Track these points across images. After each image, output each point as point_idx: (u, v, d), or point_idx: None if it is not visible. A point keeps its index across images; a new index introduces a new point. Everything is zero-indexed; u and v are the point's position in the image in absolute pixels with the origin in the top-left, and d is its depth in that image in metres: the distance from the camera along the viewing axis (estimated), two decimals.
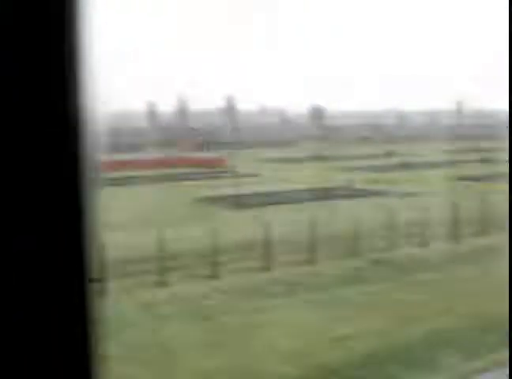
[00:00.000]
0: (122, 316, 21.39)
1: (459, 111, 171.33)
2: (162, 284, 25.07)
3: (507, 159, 75.17)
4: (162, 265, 25.55)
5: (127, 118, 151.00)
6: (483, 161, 79.79)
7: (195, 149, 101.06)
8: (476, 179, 59.75)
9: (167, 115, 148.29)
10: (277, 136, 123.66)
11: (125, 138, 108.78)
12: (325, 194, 50.02)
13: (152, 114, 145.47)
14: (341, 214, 35.51)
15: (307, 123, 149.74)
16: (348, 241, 30.12)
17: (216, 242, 26.81)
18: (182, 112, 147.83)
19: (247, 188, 50.58)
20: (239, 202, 45.72)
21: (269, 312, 21.73)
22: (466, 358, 17.62)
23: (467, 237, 32.50)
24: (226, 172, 62.12)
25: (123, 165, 77.43)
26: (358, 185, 55.82)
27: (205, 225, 32.35)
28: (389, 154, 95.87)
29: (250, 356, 17.77)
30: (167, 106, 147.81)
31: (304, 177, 60.65)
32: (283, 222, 34.27)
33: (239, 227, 35.40)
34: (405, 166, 74.58)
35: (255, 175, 64.93)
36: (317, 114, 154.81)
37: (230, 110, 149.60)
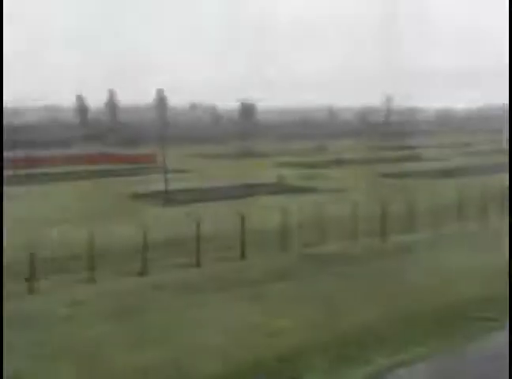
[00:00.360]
0: (47, 313, 21.03)
1: (388, 108, 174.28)
2: (90, 281, 24.71)
3: (432, 156, 76.91)
4: (90, 262, 25.15)
5: (56, 113, 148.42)
6: (410, 158, 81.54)
7: (125, 145, 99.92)
8: (403, 176, 60.93)
9: (96, 110, 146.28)
10: (209, 133, 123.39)
11: (54, 134, 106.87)
12: (255, 190, 50.20)
13: (81, 109, 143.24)
14: (271, 210, 35.69)
15: (238, 119, 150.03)
16: (278, 236, 30.30)
17: (145, 238, 26.52)
18: (112, 107, 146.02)
19: (177, 184, 50.32)
20: (168, 198, 45.44)
21: (199, 308, 21.66)
22: (393, 352, 17.93)
23: (392, 233, 33.06)
24: (156, 168, 61.59)
25: (51, 161, 76.00)
26: (289, 181, 56.28)
27: (134, 222, 31.98)
28: (319, 150, 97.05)
29: (179, 353, 17.67)
30: (97, 101, 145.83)
31: (235, 173, 60.74)
32: (213, 218, 34.22)
33: (169, 223, 35.17)
34: (335, 162, 75.59)
35: (185, 171, 64.66)
36: (247, 110, 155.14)
37: (160, 105, 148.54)
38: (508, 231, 27.60)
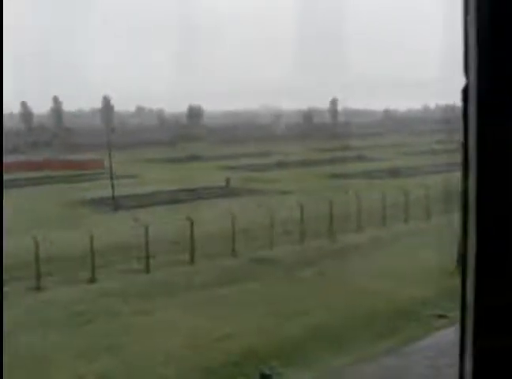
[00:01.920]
0: None
1: (333, 110, 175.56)
2: (37, 289, 24.42)
3: (376, 156, 77.35)
4: (36, 270, 24.84)
5: None
6: (355, 158, 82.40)
7: (71, 151, 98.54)
8: (348, 176, 61.57)
9: (41, 116, 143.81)
10: (155, 137, 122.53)
11: None
12: (202, 194, 50.19)
13: (25, 114, 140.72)
14: (219, 213, 35.74)
15: (185, 123, 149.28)
16: (226, 240, 30.34)
17: (91, 245, 26.31)
18: (57, 113, 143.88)
19: (124, 189, 49.93)
20: (115, 204, 45.12)
21: (149, 314, 21.61)
22: (345, 352, 18.17)
23: (340, 233, 33.42)
24: (103, 174, 60.97)
25: None
26: (235, 184, 56.32)
27: (80, 228, 31.67)
28: (265, 153, 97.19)
29: (130, 359, 17.64)
30: (41, 107, 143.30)
31: (182, 177, 60.48)
32: (160, 223, 34.03)
33: (116, 229, 34.87)
34: (281, 165, 75.83)
35: (132, 177, 64.17)
36: (194, 114, 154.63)
37: (106, 110, 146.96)
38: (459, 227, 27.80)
